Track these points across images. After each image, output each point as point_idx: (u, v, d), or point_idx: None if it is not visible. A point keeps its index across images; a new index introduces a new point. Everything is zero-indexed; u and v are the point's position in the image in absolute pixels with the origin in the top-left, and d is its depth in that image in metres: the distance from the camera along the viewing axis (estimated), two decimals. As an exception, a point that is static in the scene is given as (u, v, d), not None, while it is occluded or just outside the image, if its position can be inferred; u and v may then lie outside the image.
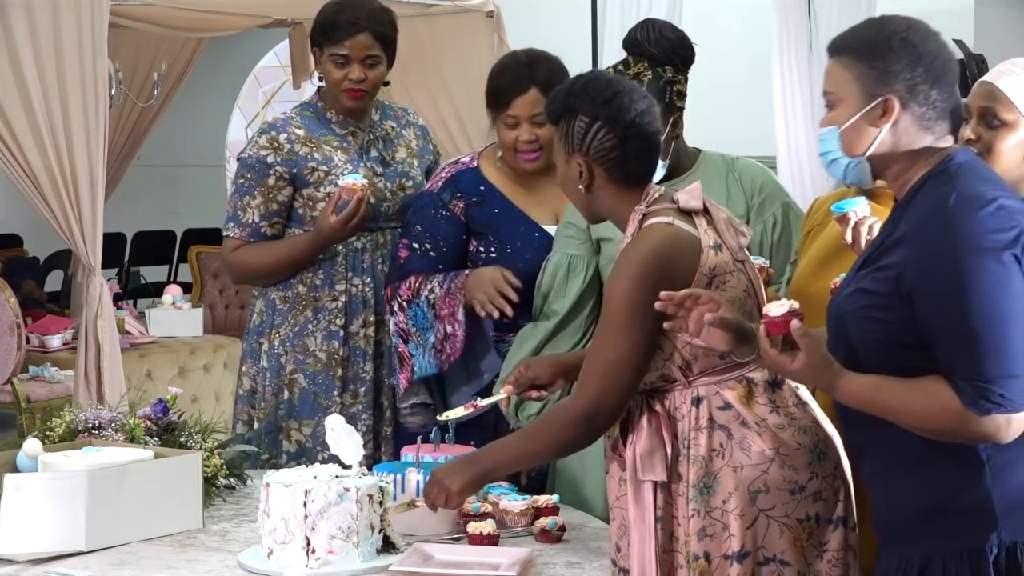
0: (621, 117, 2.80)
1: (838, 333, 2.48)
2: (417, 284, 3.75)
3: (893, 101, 2.42)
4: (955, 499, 2.35)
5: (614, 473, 2.80)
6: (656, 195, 2.82)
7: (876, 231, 2.79)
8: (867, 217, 2.99)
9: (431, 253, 3.78)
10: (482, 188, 3.79)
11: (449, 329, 3.70)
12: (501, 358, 3.72)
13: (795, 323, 2.42)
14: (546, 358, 3.20)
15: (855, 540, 2.76)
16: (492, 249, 3.75)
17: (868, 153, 2.46)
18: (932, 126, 2.44)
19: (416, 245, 3.81)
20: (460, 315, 3.67)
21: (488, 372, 3.74)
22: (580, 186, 2.84)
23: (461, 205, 3.78)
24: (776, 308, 2.45)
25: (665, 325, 2.64)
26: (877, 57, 2.43)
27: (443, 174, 3.86)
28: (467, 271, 3.72)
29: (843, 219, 3.00)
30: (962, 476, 2.35)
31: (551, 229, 3.71)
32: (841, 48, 2.49)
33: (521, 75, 3.69)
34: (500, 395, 3.13)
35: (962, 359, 2.29)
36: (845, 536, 2.74)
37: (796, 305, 2.45)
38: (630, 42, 3.66)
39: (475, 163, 3.86)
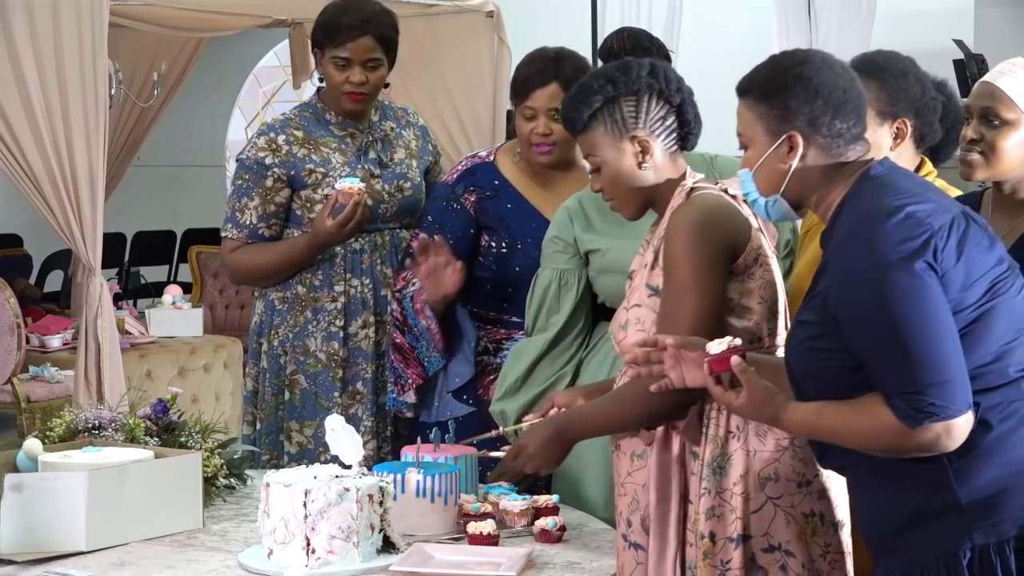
0: (668, 86, 2.83)
1: (787, 368, 2.49)
2: (410, 275, 3.79)
3: (796, 137, 2.45)
4: (925, 508, 2.36)
5: (625, 449, 2.81)
6: (699, 177, 2.86)
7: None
8: None
9: None
10: (496, 183, 3.80)
11: (424, 323, 3.74)
12: (495, 359, 3.74)
13: (735, 359, 2.44)
14: (573, 388, 3.22)
15: (852, 545, 2.76)
16: (503, 244, 3.76)
17: (781, 190, 2.48)
18: (843, 153, 2.46)
19: (425, 235, 3.83)
20: (428, 311, 3.72)
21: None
22: (645, 166, 2.82)
23: (472, 199, 3.80)
24: (716, 346, 2.47)
25: (651, 388, 2.64)
26: (775, 96, 2.46)
27: (460, 167, 3.88)
28: None
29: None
30: (929, 484, 2.35)
31: None
32: (744, 89, 2.52)
33: (545, 68, 3.68)
34: (528, 422, 3.13)
35: (890, 374, 2.29)
36: (846, 539, 2.74)
37: (737, 341, 2.47)
38: (606, 52, 3.66)
39: (492, 157, 3.87)
